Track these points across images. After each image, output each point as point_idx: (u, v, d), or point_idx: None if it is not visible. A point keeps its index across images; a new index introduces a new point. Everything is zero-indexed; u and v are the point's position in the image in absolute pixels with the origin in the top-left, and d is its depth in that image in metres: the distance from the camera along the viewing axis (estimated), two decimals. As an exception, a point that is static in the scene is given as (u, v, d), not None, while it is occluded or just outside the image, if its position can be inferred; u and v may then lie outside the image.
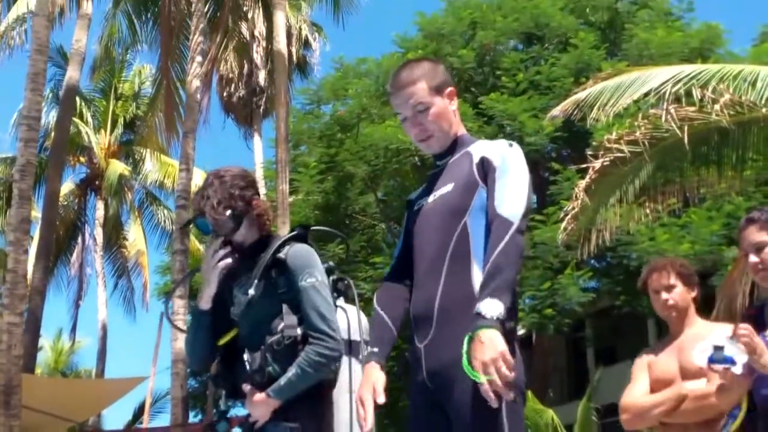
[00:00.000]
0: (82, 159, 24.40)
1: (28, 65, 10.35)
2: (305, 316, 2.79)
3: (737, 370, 2.92)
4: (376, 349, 2.55)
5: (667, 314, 3.56)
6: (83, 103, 23.71)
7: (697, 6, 24.35)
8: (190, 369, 13.29)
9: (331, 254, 14.36)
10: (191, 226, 3.03)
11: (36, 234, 16.19)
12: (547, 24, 17.30)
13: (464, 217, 2.49)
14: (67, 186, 23.22)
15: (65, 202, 23.04)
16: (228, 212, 2.86)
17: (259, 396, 2.74)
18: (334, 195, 17.29)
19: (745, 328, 2.91)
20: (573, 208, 8.18)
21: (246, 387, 2.77)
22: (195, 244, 18.85)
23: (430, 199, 2.62)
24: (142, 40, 18.40)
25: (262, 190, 16.78)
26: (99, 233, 23.84)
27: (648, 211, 8.35)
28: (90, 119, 24.36)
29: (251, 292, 2.80)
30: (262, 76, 21.69)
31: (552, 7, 17.31)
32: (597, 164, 7.93)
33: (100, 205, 24.14)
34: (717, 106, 7.14)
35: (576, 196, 8.16)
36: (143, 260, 25.01)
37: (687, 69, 7.69)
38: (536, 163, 15.92)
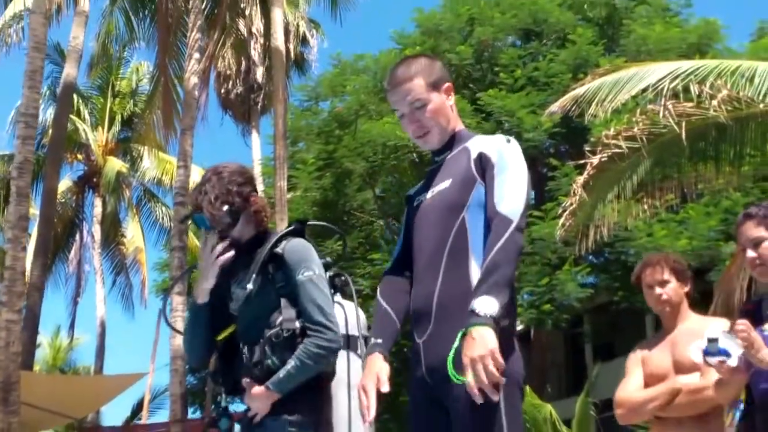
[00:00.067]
0: (79, 156, 24.36)
1: (26, 62, 10.33)
2: (303, 309, 2.79)
3: (732, 362, 2.93)
4: (379, 341, 2.54)
5: (661, 309, 3.57)
6: (81, 101, 23.67)
7: (694, 2, 24.39)
8: (189, 366, 13.28)
9: (329, 251, 14.35)
10: (189, 222, 3.03)
11: (34, 231, 16.21)
12: (545, 20, 17.30)
13: (462, 213, 2.48)
14: (64, 183, 23.19)
15: (63, 200, 22.98)
16: (225, 208, 2.87)
17: (258, 389, 2.74)
18: (332, 191, 17.28)
19: (743, 324, 2.92)
20: (571, 204, 8.17)
21: (245, 380, 2.77)
22: (193, 241, 18.81)
23: (429, 195, 2.61)
24: (139, 37, 18.34)
25: (260, 187, 16.78)
26: (97, 230, 23.81)
27: (646, 206, 8.36)
28: (87, 116, 24.30)
29: (249, 287, 2.80)
30: (259, 73, 21.68)
31: (550, 3, 17.31)
32: (595, 160, 7.94)
33: (98, 202, 24.11)
34: (715, 102, 7.15)
35: (574, 192, 8.16)
36: (141, 257, 24.99)
37: (685, 65, 7.70)
38: (534, 159, 15.91)
